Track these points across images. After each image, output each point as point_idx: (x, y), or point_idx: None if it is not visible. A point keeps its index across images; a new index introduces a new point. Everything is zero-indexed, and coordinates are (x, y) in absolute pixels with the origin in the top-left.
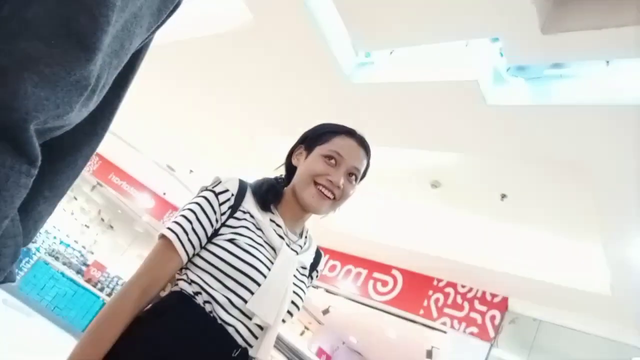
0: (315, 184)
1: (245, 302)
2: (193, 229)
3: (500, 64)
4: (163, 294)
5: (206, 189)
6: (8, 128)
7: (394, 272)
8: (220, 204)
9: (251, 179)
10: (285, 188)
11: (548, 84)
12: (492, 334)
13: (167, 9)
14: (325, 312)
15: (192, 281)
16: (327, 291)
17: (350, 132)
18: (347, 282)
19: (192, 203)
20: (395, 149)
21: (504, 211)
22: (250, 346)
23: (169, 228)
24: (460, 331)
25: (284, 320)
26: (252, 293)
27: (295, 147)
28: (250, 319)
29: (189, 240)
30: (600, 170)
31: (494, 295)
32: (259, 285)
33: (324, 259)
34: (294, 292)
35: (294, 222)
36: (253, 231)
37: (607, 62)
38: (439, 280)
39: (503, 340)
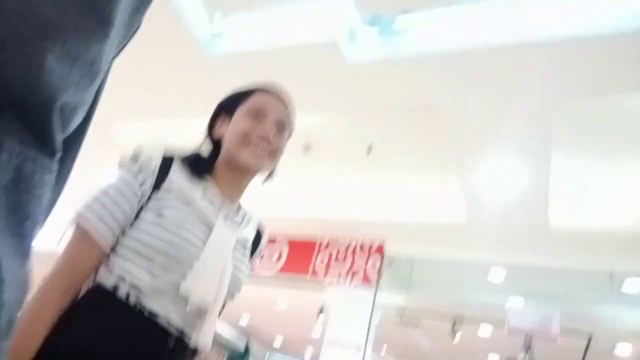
0: (247, 144)
1: (177, 286)
2: (111, 214)
3: (355, 20)
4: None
5: (124, 164)
6: (30, 111)
7: (280, 241)
8: (140, 182)
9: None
10: (217, 161)
11: (400, 35)
12: (374, 279)
13: (133, 27)
14: None
15: (113, 270)
16: None
17: (263, 89)
18: None
19: (110, 183)
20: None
21: (372, 163)
22: (187, 335)
23: (83, 215)
24: (347, 284)
25: (224, 305)
26: (184, 276)
27: (215, 119)
28: (184, 305)
29: (109, 227)
30: (452, 112)
31: (371, 243)
32: (191, 266)
33: (266, 236)
34: (234, 272)
35: (232, 190)
36: (181, 207)
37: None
38: (322, 241)
39: (385, 283)
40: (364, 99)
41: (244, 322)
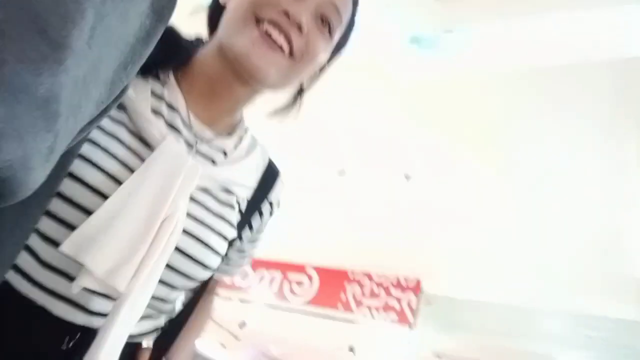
0: (259, 21)
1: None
2: None
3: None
4: None
5: None
6: None
7: (308, 270)
8: None
9: None
10: (200, 50)
11: (443, 51)
12: (410, 318)
13: (118, 87)
14: (242, 325)
15: None
16: (242, 301)
17: None
18: (262, 289)
19: None
20: (297, 134)
21: (408, 193)
22: (93, 330)
23: None
24: (380, 319)
25: (170, 286)
26: (88, 213)
27: None
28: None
29: None
30: (501, 131)
31: (407, 278)
32: (88, 213)
33: (280, 181)
34: (189, 232)
35: (212, 107)
36: (107, 121)
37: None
38: (354, 272)
39: (422, 323)
40: (405, 120)
41: (274, 351)
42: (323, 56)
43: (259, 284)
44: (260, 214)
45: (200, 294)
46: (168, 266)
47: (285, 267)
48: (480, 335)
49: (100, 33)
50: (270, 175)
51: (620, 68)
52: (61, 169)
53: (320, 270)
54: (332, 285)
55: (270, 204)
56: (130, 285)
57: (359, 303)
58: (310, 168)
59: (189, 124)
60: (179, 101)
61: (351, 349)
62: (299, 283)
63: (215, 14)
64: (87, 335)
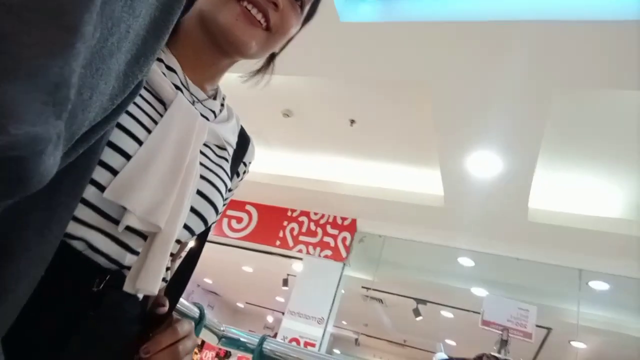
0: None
1: (103, 191)
2: None
3: None
4: None
5: None
6: None
7: (248, 207)
8: None
9: None
10: (183, 18)
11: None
12: (344, 254)
13: (135, 77)
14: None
15: None
16: None
17: None
18: None
19: None
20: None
21: (353, 136)
22: (127, 268)
23: None
24: (316, 256)
25: (190, 229)
26: (115, 173)
27: None
28: (117, 223)
29: None
30: (443, 88)
31: (344, 219)
32: (127, 157)
33: (252, 147)
34: (205, 177)
35: (200, 72)
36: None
37: None
38: (293, 211)
39: (354, 259)
40: (351, 64)
41: (207, 284)
42: (295, 29)
43: None
44: (237, 174)
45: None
46: (192, 209)
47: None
48: (404, 270)
49: (113, 24)
50: (244, 140)
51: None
52: (85, 170)
53: (260, 207)
54: (271, 223)
55: (245, 165)
56: (168, 222)
57: (296, 240)
58: (256, 108)
59: (187, 84)
60: (175, 64)
61: (285, 282)
62: (238, 219)
63: None
64: (117, 278)
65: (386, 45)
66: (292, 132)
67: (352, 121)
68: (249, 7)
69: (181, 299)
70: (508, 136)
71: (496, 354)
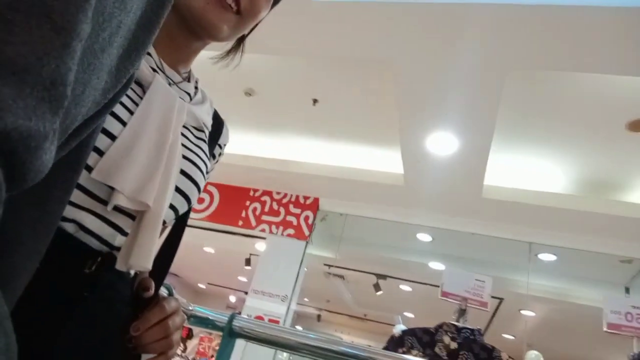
0: None
1: (90, 172)
2: None
3: None
4: None
5: None
6: None
7: (209, 187)
8: None
9: None
10: None
11: None
12: (306, 232)
13: (127, 71)
14: None
15: None
16: None
17: None
18: None
19: None
20: (208, 52)
21: (315, 116)
22: (117, 250)
23: None
24: (279, 235)
25: (174, 209)
26: (101, 154)
27: None
28: (106, 204)
29: None
30: (404, 68)
31: (306, 198)
32: (114, 139)
33: (227, 130)
34: (186, 157)
35: (174, 55)
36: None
37: None
38: (255, 191)
39: (316, 237)
40: (315, 43)
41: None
42: (265, 11)
43: None
44: (213, 156)
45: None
46: (176, 188)
47: None
48: (365, 247)
49: (104, 20)
50: (217, 122)
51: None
52: (77, 163)
53: (222, 187)
54: (233, 203)
55: (220, 147)
56: (156, 200)
57: (258, 220)
58: (218, 87)
59: (162, 67)
60: (150, 47)
61: (248, 262)
62: (200, 200)
63: None
64: (109, 260)
65: (350, 24)
66: (254, 112)
67: (315, 100)
68: None
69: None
70: (465, 117)
71: (455, 322)
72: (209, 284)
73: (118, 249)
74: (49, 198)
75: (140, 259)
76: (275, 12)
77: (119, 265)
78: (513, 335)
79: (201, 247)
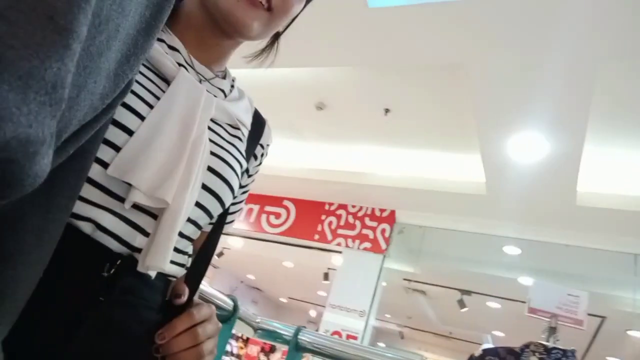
0: None
1: (106, 168)
2: None
3: None
4: None
5: None
6: None
7: (286, 202)
8: None
9: None
10: (183, 1)
11: None
12: (383, 246)
13: (126, 76)
14: (220, 255)
15: None
16: None
17: None
18: (239, 220)
19: None
20: (277, 70)
21: (388, 126)
22: (137, 251)
23: None
24: (355, 249)
25: (204, 208)
26: (118, 149)
27: None
28: (124, 201)
29: None
30: (478, 72)
31: (382, 210)
32: (130, 133)
33: (268, 129)
34: (216, 154)
35: (205, 52)
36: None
37: None
38: (330, 204)
39: (394, 250)
40: (383, 50)
41: (250, 280)
42: (298, 7)
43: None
44: (255, 157)
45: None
46: (203, 186)
47: (263, 200)
48: (446, 261)
49: (101, 24)
50: (258, 122)
51: None
52: (81, 170)
53: (297, 202)
54: (309, 217)
55: (262, 147)
56: (176, 197)
57: (334, 234)
58: (290, 102)
59: (192, 63)
60: (178, 43)
61: (326, 276)
62: (277, 215)
63: None
64: (127, 263)
65: (418, 29)
66: (326, 125)
67: (387, 110)
68: None
69: (215, 291)
70: (551, 115)
71: (544, 342)
72: (289, 298)
73: (140, 251)
74: (52, 205)
75: (156, 259)
76: (340, 22)
77: (140, 267)
78: (619, 359)
79: (280, 261)
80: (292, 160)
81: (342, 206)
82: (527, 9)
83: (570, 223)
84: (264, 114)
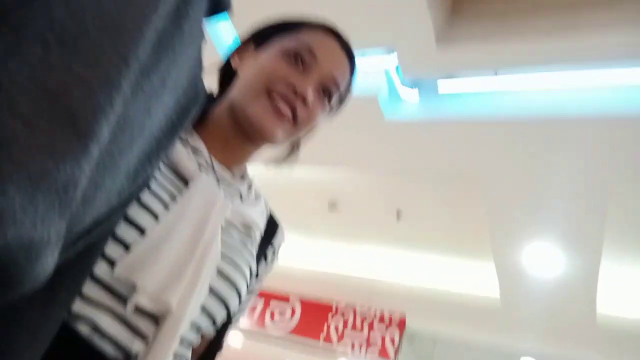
0: (269, 93)
1: (114, 267)
2: None
3: (395, 77)
4: None
5: None
6: None
7: (292, 300)
8: None
9: None
10: (213, 107)
11: (441, 97)
12: (392, 355)
13: (145, 173)
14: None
15: None
16: None
17: (329, 29)
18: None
19: None
20: (292, 168)
21: (400, 229)
22: (134, 357)
23: None
24: (362, 355)
25: (209, 314)
26: (127, 248)
27: (240, 45)
28: (126, 301)
29: None
30: (491, 183)
31: (391, 316)
32: (142, 232)
33: (281, 230)
34: (227, 257)
35: (227, 155)
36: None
37: (495, 72)
38: (338, 306)
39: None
40: (398, 159)
41: None
42: (320, 122)
43: None
44: (265, 258)
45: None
46: (210, 290)
47: (268, 296)
48: None
49: (126, 124)
50: (272, 223)
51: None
52: (85, 266)
53: (304, 301)
54: (315, 317)
55: (274, 248)
56: (180, 302)
57: (341, 336)
58: (301, 201)
59: (212, 165)
60: (201, 145)
61: None
62: (281, 312)
63: (226, 76)
64: None
65: (433, 143)
66: (338, 225)
67: (399, 213)
68: (279, 100)
69: None
70: (566, 229)
71: None
72: None
73: (136, 357)
74: (51, 300)
75: None
76: (358, 131)
77: None
78: None
79: None
80: (301, 258)
81: (350, 309)
82: (537, 131)
83: (592, 343)
84: (276, 209)
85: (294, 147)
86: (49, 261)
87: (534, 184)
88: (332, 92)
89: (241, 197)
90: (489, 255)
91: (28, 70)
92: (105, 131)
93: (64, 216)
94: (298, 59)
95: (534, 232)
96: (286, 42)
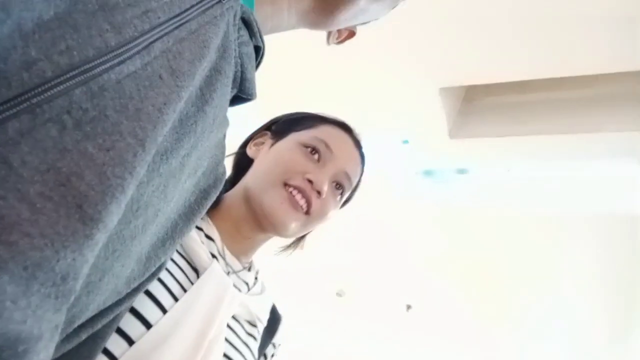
0: (286, 183)
1: None
2: None
3: (409, 168)
4: None
5: None
6: None
7: None
8: None
9: None
10: (227, 192)
11: (453, 188)
12: None
13: (158, 260)
14: None
15: None
16: None
17: (344, 126)
18: None
19: None
20: (298, 254)
21: (409, 322)
22: None
23: None
24: None
25: None
26: (131, 343)
27: (256, 133)
28: None
29: None
30: (503, 271)
31: None
32: (148, 326)
33: (283, 327)
34: (228, 356)
35: (238, 244)
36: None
37: (508, 169)
38: None
39: None
40: (408, 247)
41: None
42: (333, 215)
43: None
44: (265, 356)
45: None
46: None
47: None
48: None
49: (140, 208)
50: (275, 318)
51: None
52: (88, 357)
53: None
54: None
55: (274, 347)
56: None
57: None
58: (309, 288)
59: (223, 254)
60: (215, 233)
61: None
62: None
63: (242, 162)
64: None
65: (444, 231)
66: (344, 314)
67: (409, 306)
68: (295, 193)
69: None
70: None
71: None
72: None
73: None
74: None
75: None
76: (364, 211)
77: None
78: None
79: None
80: (306, 348)
81: None
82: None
83: None
84: (281, 298)
85: (302, 237)
86: (41, 357)
87: (543, 280)
88: (344, 187)
89: (248, 288)
90: (506, 343)
91: (41, 153)
92: (114, 217)
93: (59, 309)
94: (315, 152)
95: (545, 332)
96: (303, 135)
